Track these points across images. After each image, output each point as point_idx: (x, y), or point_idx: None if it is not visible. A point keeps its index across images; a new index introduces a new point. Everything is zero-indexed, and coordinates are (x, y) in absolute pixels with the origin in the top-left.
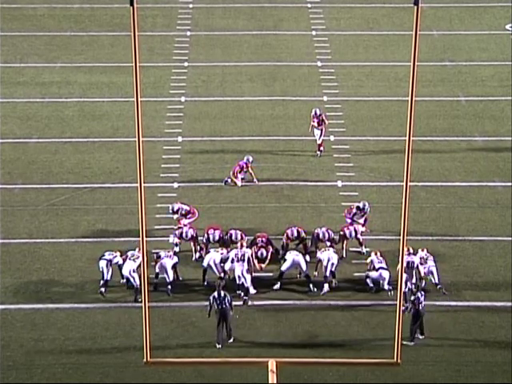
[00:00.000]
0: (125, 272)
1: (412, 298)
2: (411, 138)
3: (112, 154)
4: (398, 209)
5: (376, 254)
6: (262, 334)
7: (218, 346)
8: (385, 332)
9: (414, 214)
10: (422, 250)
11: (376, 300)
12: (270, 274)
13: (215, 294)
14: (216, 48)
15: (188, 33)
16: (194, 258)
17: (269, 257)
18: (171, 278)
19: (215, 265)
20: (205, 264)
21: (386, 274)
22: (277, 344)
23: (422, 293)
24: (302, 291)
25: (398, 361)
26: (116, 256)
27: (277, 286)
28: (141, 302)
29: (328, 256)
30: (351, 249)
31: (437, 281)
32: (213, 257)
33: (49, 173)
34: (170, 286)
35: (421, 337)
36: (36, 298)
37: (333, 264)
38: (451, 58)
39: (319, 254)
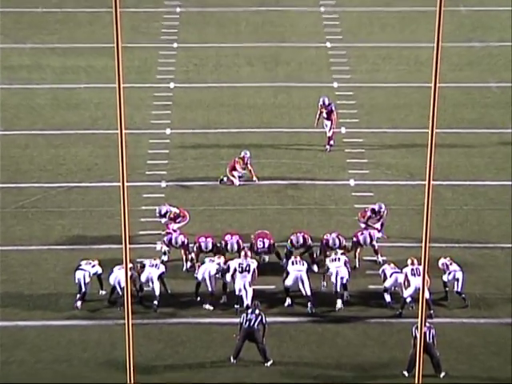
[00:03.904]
0: (111, 280)
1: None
2: (434, 130)
3: (90, 148)
4: (419, 211)
5: (389, 264)
6: (259, 356)
7: (232, 360)
8: (404, 353)
9: (437, 217)
10: (445, 258)
11: (394, 316)
12: (272, 287)
13: (249, 310)
14: (210, 27)
15: (178, 9)
16: (184, 268)
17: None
18: (158, 291)
19: (209, 277)
20: (199, 277)
21: (401, 278)
22: (280, 367)
23: (431, 326)
24: (308, 306)
25: None
26: (95, 265)
27: (288, 302)
28: (121, 311)
29: (336, 269)
30: (365, 258)
31: (459, 289)
32: (208, 268)
33: (17, 170)
34: (156, 301)
35: (440, 376)
36: (2, 314)
37: (342, 278)
38: (481, 38)
39: (328, 262)
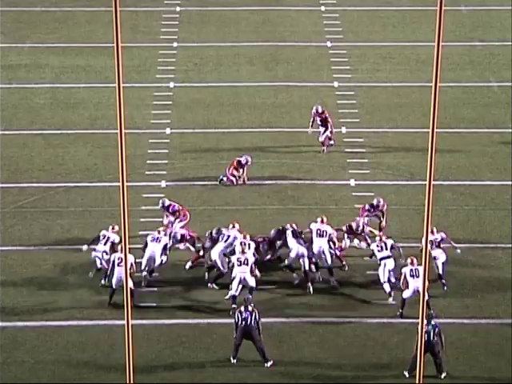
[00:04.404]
0: (114, 283)
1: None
2: (435, 130)
3: (90, 148)
4: (420, 212)
5: (381, 239)
6: (260, 358)
7: (232, 360)
8: (405, 354)
9: (438, 217)
10: (432, 233)
11: (394, 317)
12: (272, 287)
13: (242, 308)
14: (210, 26)
15: (177, 8)
16: (186, 267)
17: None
18: (158, 262)
19: (219, 256)
20: (213, 256)
21: (390, 264)
22: (279, 368)
23: (437, 323)
24: (308, 306)
25: None
26: (107, 239)
27: (296, 277)
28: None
29: (318, 245)
30: (365, 258)
31: (441, 271)
32: (217, 249)
33: (16, 170)
34: (152, 272)
35: (441, 376)
36: (1, 315)
37: (325, 256)
38: (481, 38)
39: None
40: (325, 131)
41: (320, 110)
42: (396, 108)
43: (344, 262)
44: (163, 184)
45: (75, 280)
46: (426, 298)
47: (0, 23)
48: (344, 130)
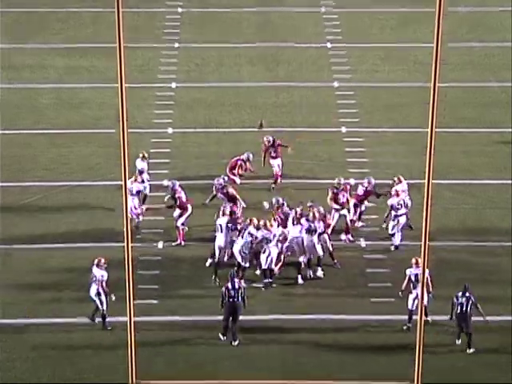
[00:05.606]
0: (92, 293)
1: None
2: (434, 130)
3: (93, 147)
4: (419, 211)
5: (398, 195)
6: (262, 354)
7: (222, 337)
8: (405, 354)
9: (437, 216)
10: (399, 181)
11: (394, 316)
12: (273, 287)
13: (229, 284)
14: (211, 27)
15: (179, 9)
16: (207, 264)
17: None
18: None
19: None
20: (235, 251)
21: (402, 220)
22: (280, 366)
23: (471, 295)
24: (308, 306)
25: None
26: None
27: (300, 281)
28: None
29: (298, 233)
30: (365, 256)
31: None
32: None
33: (20, 169)
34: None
35: (469, 351)
36: (5, 313)
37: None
38: (480, 38)
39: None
40: (282, 164)
41: (271, 140)
42: (395, 108)
43: (335, 261)
44: (165, 183)
45: (77, 279)
46: (426, 303)
47: (4, 24)
48: (344, 129)
